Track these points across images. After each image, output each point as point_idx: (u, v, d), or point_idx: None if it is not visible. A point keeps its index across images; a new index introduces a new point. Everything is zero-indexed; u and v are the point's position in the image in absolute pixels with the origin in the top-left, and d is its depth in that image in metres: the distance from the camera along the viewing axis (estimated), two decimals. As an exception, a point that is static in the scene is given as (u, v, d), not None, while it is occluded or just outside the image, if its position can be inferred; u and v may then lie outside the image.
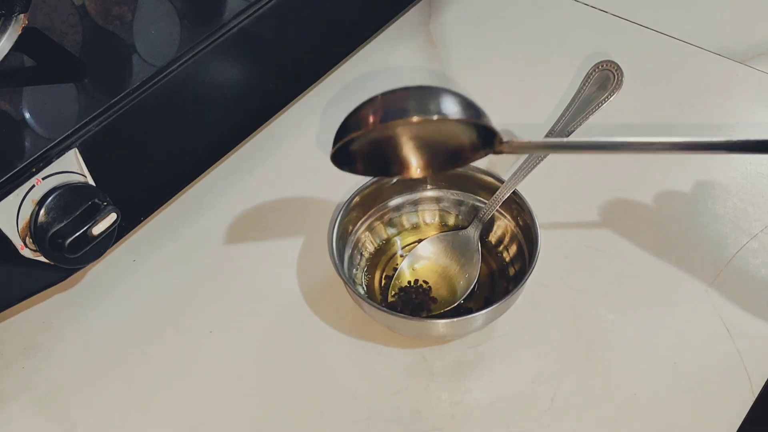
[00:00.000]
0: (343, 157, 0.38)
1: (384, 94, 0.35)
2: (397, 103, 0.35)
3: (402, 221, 0.53)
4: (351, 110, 0.36)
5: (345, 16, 0.59)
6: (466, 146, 0.39)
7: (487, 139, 0.38)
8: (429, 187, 0.53)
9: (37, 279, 0.44)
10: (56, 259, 0.42)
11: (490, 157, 0.57)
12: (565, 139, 0.41)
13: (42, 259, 0.42)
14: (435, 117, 0.35)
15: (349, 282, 0.46)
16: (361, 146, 0.38)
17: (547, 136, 0.50)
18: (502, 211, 0.50)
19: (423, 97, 0.35)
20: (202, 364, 0.48)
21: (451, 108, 0.35)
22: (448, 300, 0.49)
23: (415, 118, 0.34)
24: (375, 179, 0.50)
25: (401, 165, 0.40)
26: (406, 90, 0.35)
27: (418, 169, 0.40)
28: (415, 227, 0.53)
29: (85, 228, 0.42)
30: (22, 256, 0.41)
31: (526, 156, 0.50)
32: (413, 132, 0.38)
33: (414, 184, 0.52)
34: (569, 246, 0.52)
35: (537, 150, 0.40)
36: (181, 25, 0.47)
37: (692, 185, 0.55)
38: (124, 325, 0.50)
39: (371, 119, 0.35)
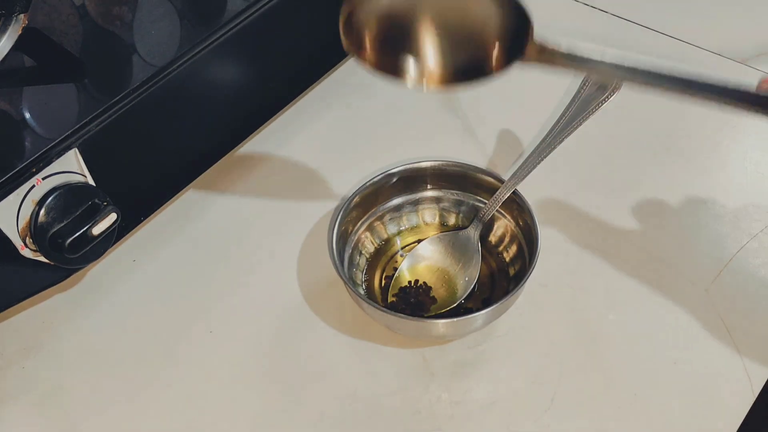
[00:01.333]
0: (352, 30, 0.34)
1: None
2: None
3: (402, 221, 0.53)
4: None
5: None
6: (491, 46, 0.33)
7: (517, 42, 0.32)
8: (429, 187, 0.53)
9: (37, 279, 0.44)
10: (56, 259, 0.42)
11: (490, 156, 0.58)
12: (609, 62, 0.34)
13: (42, 259, 0.42)
14: None
15: (349, 282, 0.46)
16: (374, 15, 0.33)
17: (546, 135, 0.50)
18: (502, 211, 0.50)
19: None
20: (202, 364, 0.48)
21: None
22: (448, 300, 0.49)
23: None
24: (375, 180, 0.50)
25: (414, 64, 0.34)
26: None
27: (434, 74, 0.35)
28: (415, 227, 0.53)
29: (85, 228, 0.42)
30: (22, 256, 0.41)
31: (526, 156, 0.50)
32: (434, 5, 0.33)
33: (414, 184, 0.52)
34: (569, 246, 0.52)
35: (572, 64, 0.34)
36: (181, 25, 0.47)
37: (692, 185, 0.55)
38: (124, 325, 0.50)
39: None
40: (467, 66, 0.35)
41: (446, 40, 0.34)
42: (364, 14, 0.33)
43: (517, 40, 0.32)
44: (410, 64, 0.35)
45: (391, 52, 0.35)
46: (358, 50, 0.34)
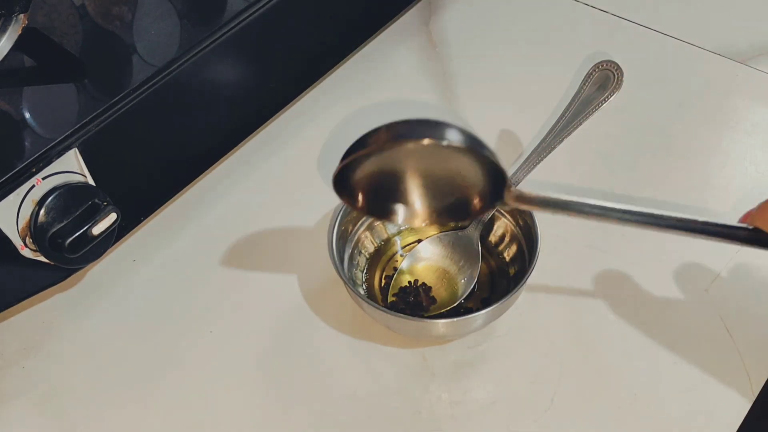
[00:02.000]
0: (345, 185, 0.37)
1: (393, 122, 0.35)
2: (407, 127, 0.34)
3: (402, 221, 0.53)
4: (359, 136, 0.35)
5: (345, 16, 0.59)
6: (473, 193, 0.38)
7: (496, 189, 0.37)
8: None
9: (37, 279, 0.44)
10: (56, 259, 0.42)
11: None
12: (582, 201, 0.38)
13: (42, 259, 0.42)
14: (445, 142, 0.34)
15: (349, 282, 0.46)
16: (364, 174, 0.37)
17: (547, 135, 0.50)
18: (502, 211, 0.50)
19: (435, 125, 0.34)
20: (202, 364, 0.48)
21: (463, 139, 0.34)
22: (448, 300, 0.49)
23: (425, 141, 0.34)
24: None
25: (402, 208, 0.39)
26: (417, 119, 0.35)
27: (419, 217, 0.39)
28: (415, 227, 0.53)
29: (85, 228, 0.42)
30: (22, 256, 0.41)
31: (526, 156, 0.50)
32: (419, 163, 0.37)
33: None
34: (569, 246, 0.52)
35: (548, 208, 0.38)
36: (181, 25, 0.47)
37: (692, 185, 0.55)
38: (124, 325, 0.50)
39: (380, 138, 0.34)
40: (451, 209, 0.39)
41: (431, 191, 0.38)
42: (355, 172, 0.36)
43: (497, 187, 0.36)
44: (399, 210, 0.39)
45: (381, 200, 0.38)
46: (350, 199, 0.38)
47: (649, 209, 0.37)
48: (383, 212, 0.39)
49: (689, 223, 0.37)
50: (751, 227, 0.36)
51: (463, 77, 0.64)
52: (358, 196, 0.38)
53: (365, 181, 0.38)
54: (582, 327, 0.48)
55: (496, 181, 0.36)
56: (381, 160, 0.36)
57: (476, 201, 0.38)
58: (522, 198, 0.37)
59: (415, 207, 0.39)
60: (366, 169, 0.37)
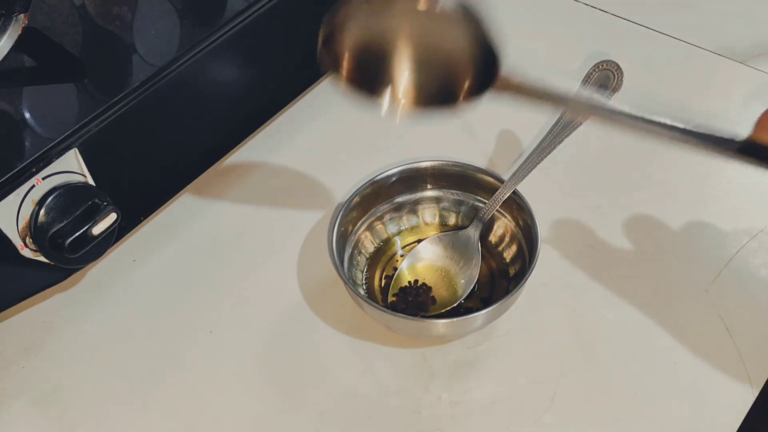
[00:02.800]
0: (330, 48, 0.35)
1: None
2: None
3: (402, 221, 0.53)
4: None
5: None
6: (464, 76, 0.35)
7: (488, 72, 0.34)
8: (429, 187, 0.53)
9: (37, 279, 0.44)
10: (56, 259, 0.42)
11: (490, 156, 0.58)
12: (572, 94, 0.35)
13: (42, 259, 0.42)
14: (444, 7, 0.32)
15: (349, 282, 0.46)
16: (352, 35, 0.34)
17: (547, 135, 0.50)
18: (502, 211, 0.50)
19: None
20: (202, 364, 0.48)
21: (463, 8, 0.32)
22: (448, 300, 0.49)
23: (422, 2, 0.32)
24: (375, 180, 0.50)
25: (388, 86, 0.35)
26: None
27: (406, 100, 0.36)
28: (415, 227, 0.53)
29: (85, 228, 0.42)
30: (22, 256, 0.41)
31: (526, 156, 0.50)
32: (412, 29, 0.34)
33: (414, 184, 0.52)
34: (569, 246, 0.52)
35: (535, 96, 0.35)
36: (181, 25, 0.47)
37: (692, 185, 0.55)
38: (124, 325, 0.50)
39: None
40: (440, 95, 0.36)
41: (421, 71, 0.35)
42: (342, 41, 0.34)
43: (490, 72, 0.34)
44: (385, 89, 0.36)
45: (367, 77, 0.36)
46: (336, 69, 0.35)
47: (638, 112, 0.35)
48: (369, 91, 0.36)
49: (676, 129, 0.36)
50: (744, 138, 0.34)
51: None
52: (342, 64, 0.35)
53: (351, 47, 0.35)
54: (582, 327, 0.48)
55: (491, 64, 0.34)
56: (369, 21, 0.34)
57: (467, 87, 0.35)
58: (512, 83, 0.34)
59: (402, 88, 0.36)
60: (353, 30, 0.34)
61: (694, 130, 0.35)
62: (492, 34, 0.33)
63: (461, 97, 0.35)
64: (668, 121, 0.35)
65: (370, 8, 0.33)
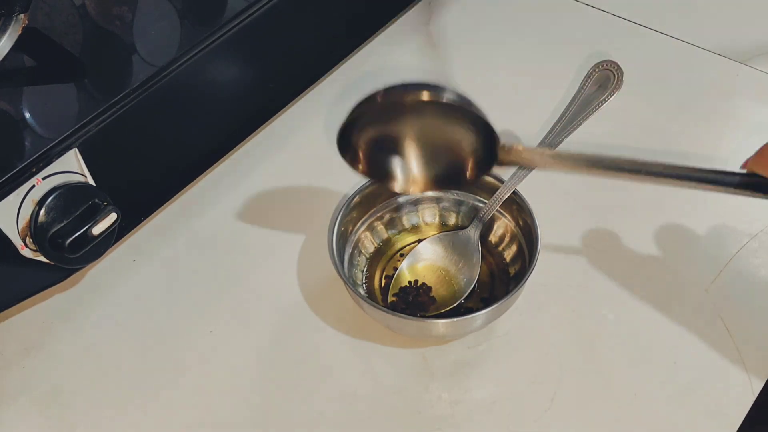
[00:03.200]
0: (347, 148, 0.39)
1: (390, 85, 0.37)
2: (407, 86, 0.36)
3: (402, 221, 0.53)
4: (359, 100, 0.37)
5: (345, 16, 0.59)
6: (468, 157, 0.39)
7: (490, 152, 0.38)
8: (429, 187, 0.53)
9: (37, 279, 0.44)
10: (56, 259, 0.42)
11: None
12: (578, 153, 0.38)
13: (42, 259, 0.42)
14: (444, 98, 0.36)
15: (349, 282, 0.46)
16: (365, 135, 0.38)
17: (547, 134, 0.50)
18: (502, 211, 0.50)
19: (434, 86, 0.36)
20: (202, 364, 0.48)
21: (459, 98, 0.36)
22: (448, 300, 0.49)
23: (426, 96, 0.36)
24: (375, 180, 0.50)
25: (401, 174, 0.41)
26: (413, 82, 0.37)
27: (417, 183, 0.41)
28: (415, 227, 0.53)
29: (85, 228, 0.42)
30: (22, 256, 0.41)
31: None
32: (416, 123, 0.38)
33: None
34: (569, 246, 0.52)
35: (538, 162, 0.39)
36: (181, 25, 0.47)
37: (692, 185, 0.55)
38: (124, 325, 0.50)
39: (382, 95, 0.36)
40: (448, 174, 0.41)
41: (428, 156, 0.40)
42: (355, 139, 0.39)
43: (491, 150, 0.38)
44: (400, 174, 0.41)
45: (383, 165, 0.41)
46: (353, 162, 0.40)
47: (641, 158, 0.36)
48: (383, 177, 0.42)
49: (679, 170, 0.36)
50: (747, 172, 0.35)
51: (462, 77, 0.64)
52: (359, 158, 0.40)
53: (366, 143, 0.39)
54: (582, 327, 0.48)
55: (489, 144, 0.38)
56: (381, 119, 0.38)
57: (471, 166, 0.40)
58: (512, 152, 0.38)
59: (413, 173, 0.41)
60: (367, 128, 0.38)
61: (691, 170, 0.36)
62: (484, 115, 0.37)
63: (468, 174, 0.40)
64: (667, 164, 0.37)
65: (383, 105, 0.37)
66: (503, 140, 0.37)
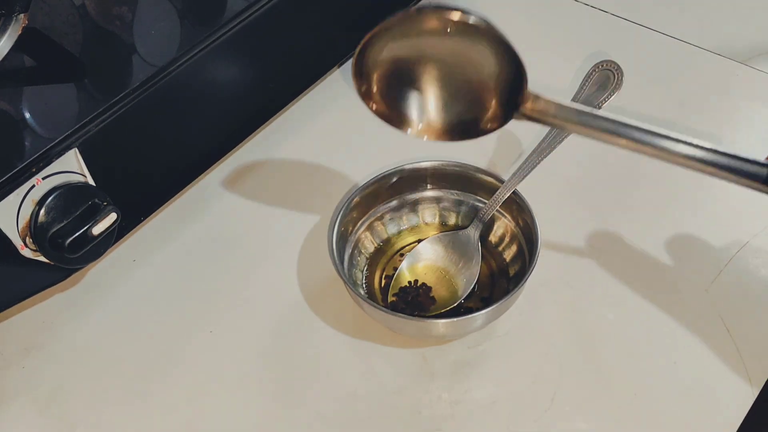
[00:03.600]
0: (362, 75, 0.36)
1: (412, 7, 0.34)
2: (439, 7, 0.34)
3: (402, 221, 0.53)
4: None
5: (345, 16, 0.59)
6: (490, 98, 0.36)
7: (512, 98, 0.35)
8: (429, 187, 0.53)
9: (37, 279, 0.44)
10: (56, 259, 0.42)
11: (490, 156, 0.58)
12: (611, 119, 0.34)
13: (42, 259, 0.42)
14: (472, 20, 0.33)
15: (349, 282, 0.46)
16: (385, 60, 0.36)
17: (546, 135, 0.50)
18: (502, 211, 0.50)
19: (458, 8, 0.34)
20: (202, 364, 0.48)
21: (486, 22, 0.34)
22: (448, 300, 0.49)
23: (454, 15, 0.33)
24: (375, 180, 0.50)
25: (416, 111, 0.37)
26: (439, 3, 0.34)
27: (434, 125, 0.37)
28: (415, 227, 0.53)
29: (85, 228, 0.42)
30: (22, 256, 0.41)
31: (526, 156, 0.50)
32: (438, 49, 0.35)
33: (414, 184, 0.52)
34: (569, 246, 0.52)
35: (563, 120, 0.35)
36: (181, 25, 0.47)
37: (692, 185, 0.55)
38: (124, 325, 0.50)
39: (401, 14, 0.34)
40: (466, 120, 0.37)
41: (448, 93, 0.37)
42: (374, 62, 0.35)
43: (515, 94, 0.35)
44: (414, 114, 0.37)
45: (397, 101, 0.37)
46: (367, 94, 0.37)
47: (671, 133, 0.33)
48: (397, 117, 0.38)
49: (709, 153, 0.33)
50: None
51: (463, 77, 0.64)
52: (373, 92, 0.37)
53: (383, 72, 0.36)
54: (582, 327, 0.48)
55: (514, 90, 0.35)
56: (402, 44, 0.35)
57: (492, 110, 0.36)
58: (539, 103, 0.35)
59: (429, 114, 0.37)
60: (385, 54, 0.36)
61: (719, 153, 0.32)
62: (515, 49, 0.34)
63: (489, 121, 0.37)
64: (692, 142, 0.33)
65: (401, 29, 0.34)
66: (530, 86, 0.35)
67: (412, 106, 0.38)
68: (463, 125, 0.38)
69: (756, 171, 0.32)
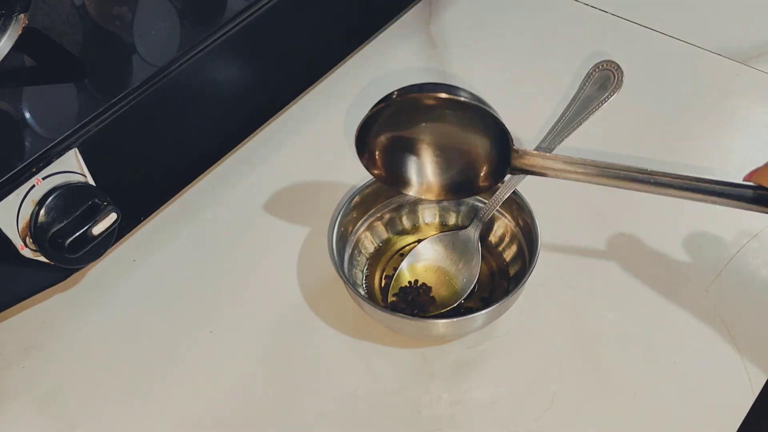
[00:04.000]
0: (364, 148, 0.40)
1: (405, 86, 0.38)
2: (426, 85, 0.38)
3: (402, 221, 0.53)
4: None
5: (345, 16, 0.59)
6: (482, 161, 0.40)
7: (503, 160, 0.39)
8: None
9: (37, 279, 0.44)
10: (56, 259, 0.42)
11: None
12: (591, 163, 0.39)
13: (42, 259, 0.42)
14: (462, 98, 0.36)
15: (349, 282, 0.46)
16: (383, 134, 0.39)
17: (547, 135, 0.50)
18: (502, 211, 0.50)
19: (449, 86, 0.37)
20: (202, 364, 0.48)
21: (474, 97, 0.37)
22: (448, 300, 0.49)
23: (443, 95, 0.37)
24: (375, 180, 0.50)
25: (416, 176, 0.42)
26: (427, 83, 0.38)
27: (432, 190, 0.42)
28: (415, 227, 0.53)
29: (85, 228, 0.42)
30: (22, 256, 0.41)
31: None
32: (432, 125, 0.39)
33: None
34: (569, 246, 0.52)
35: (551, 169, 0.39)
36: (181, 25, 0.47)
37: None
38: (124, 325, 0.50)
39: (400, 92, 0.38)
40: (463, 180, 0.42)
41: (443, 159, 0.41)
42: (372, 139, 0.40)
43: (506, 153, 0.39)
44: (414, 178, 0.43)
45: (398, 169, 0.42)
46: (370, 164, 0.42)
47: (655, 170, 0.37)
48: (399, 181, 0.43)
49: (689, 182, 0.37)
50: (756, 185, 0.35)
51: (463, 77, 0.64)
52: (375, 161, 0.41)
53: (383, 145, 0.40)
54: (582, 327, 0.48)
55: (503, 149, 0.38)
56: (397, 120, 0.39)
57: (485, 172, 0.40)
58: (527, 157, 0.38)
59: (428, 178, 0.42)
60: (383, 129, 0.39)
61: (704, 182, 0.36)
62: (498, 115, 0.37)
63: (483, 177, 0.42)
64: (677, 176, 0.37)
65: (399, 105, 0.38)
66: (516, 145, 0.38)
67: (411, 171, 0.42)
68: (460, 185, 0.43)
69: (741, 193, 0.35)
